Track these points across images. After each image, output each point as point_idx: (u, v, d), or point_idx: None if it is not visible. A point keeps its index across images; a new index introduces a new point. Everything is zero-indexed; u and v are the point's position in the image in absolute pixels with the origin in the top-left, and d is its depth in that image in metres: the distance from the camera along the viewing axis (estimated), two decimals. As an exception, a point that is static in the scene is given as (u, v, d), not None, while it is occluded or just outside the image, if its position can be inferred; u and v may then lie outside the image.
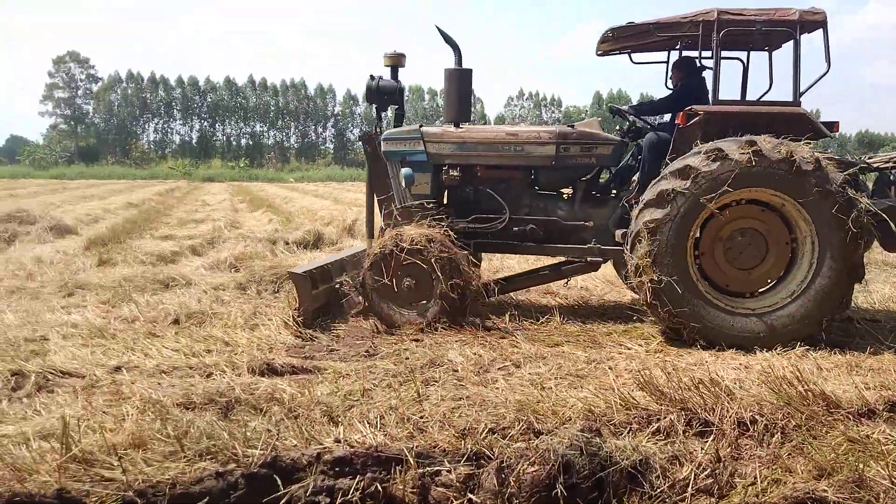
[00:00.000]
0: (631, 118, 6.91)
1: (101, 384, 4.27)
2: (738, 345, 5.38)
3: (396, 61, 6.76)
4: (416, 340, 5.55)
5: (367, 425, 3.56)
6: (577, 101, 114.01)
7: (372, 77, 6.69)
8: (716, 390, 3.90)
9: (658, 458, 3.24)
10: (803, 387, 3.90)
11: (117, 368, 4.58)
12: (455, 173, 6.64)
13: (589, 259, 6.37)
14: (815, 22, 5.80)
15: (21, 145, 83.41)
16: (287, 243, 10.91)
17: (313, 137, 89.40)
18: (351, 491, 2.82)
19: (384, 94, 6.80)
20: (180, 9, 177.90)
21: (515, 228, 6.57)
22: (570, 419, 3.69)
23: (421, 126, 6.76)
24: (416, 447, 3.16)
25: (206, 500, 2.76)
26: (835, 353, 5.18)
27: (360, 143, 7.23)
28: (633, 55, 7.06)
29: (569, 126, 6.61)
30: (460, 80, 6.69)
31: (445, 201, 6.90)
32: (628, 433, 3.48)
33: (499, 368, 4.77)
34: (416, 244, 5.81)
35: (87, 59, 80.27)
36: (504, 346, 5.32)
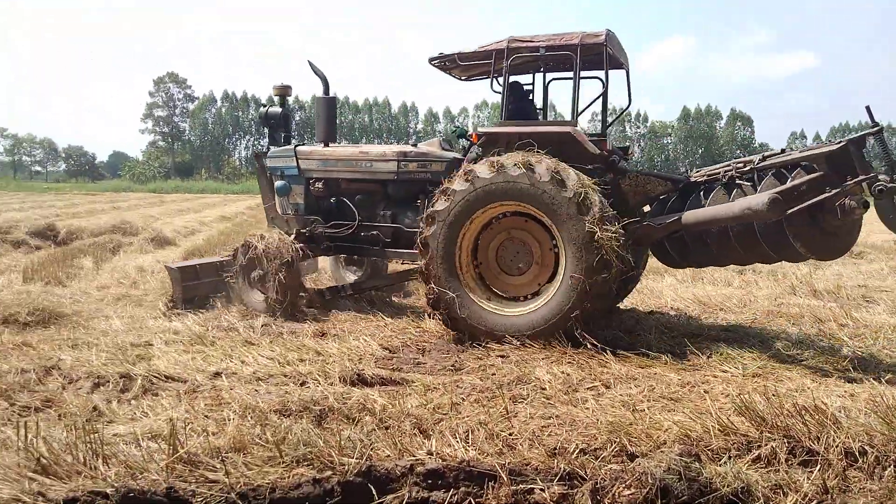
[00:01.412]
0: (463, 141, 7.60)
1: (202, 389, 4.45)
2: (505, 338, 5.80)
3: (283, 91, 8.19)
4: (502, 356, 5.53)
5: (458, 439, 3.57)
6: (664, 117, 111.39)
7: (262, 105, 8.11)
8: (821, 418, 3.71)
9: (760, 486, 3.11)
10: (919, 418, 3.66)
11: (217, 374, 4.77)
12: (320, 185, 7.72)
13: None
14: (595, 44, 6.09)
15: (122, 161, 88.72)
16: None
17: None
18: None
19: (270, 119, 8.31)
20: (276, 30, 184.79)
21: (363, 234, 7.52)
22: (666, 443, 3.59)
23: (296, 146, 7.92)
24: (508, 464, 3.14)
25: (305, 505, 2.83)
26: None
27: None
28: (462, 77, 7.64)
29: (412, 146, 7.52)
30: (327, 107, 7.93)
31: (316, 210, 7.85)
32: (728, 459, 3.35)
33: (588, 388, 4.69)
34: (256, 248, 7.10)
35: (184, 80, 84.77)
36: (593, 366, 5.22)
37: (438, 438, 3.58)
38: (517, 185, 5.74)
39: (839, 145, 5.35)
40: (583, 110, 6.41)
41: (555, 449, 3.53)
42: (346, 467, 3.08)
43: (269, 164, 8.12)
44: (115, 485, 2.87)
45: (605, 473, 3.10)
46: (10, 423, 3.71)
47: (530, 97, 7.26)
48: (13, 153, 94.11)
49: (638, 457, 3.39)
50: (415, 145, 7.52)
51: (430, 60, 7.08)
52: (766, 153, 5.92)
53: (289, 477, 3.07)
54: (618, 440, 3.58)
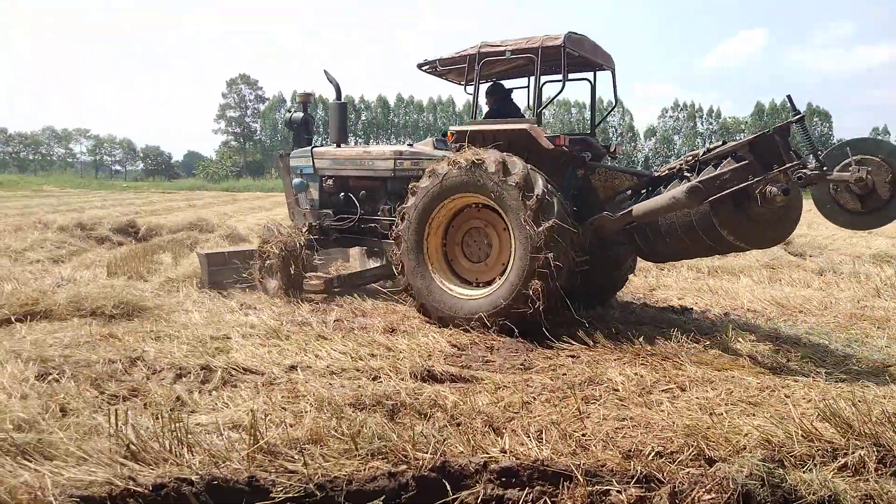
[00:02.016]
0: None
1: (279, 382, 4.56)
2: (467, 324, 6.21)
3: (305, 98, 9.31)
4: (572, 356, 5.48)
5: (530, 438, 3.56)
6: (737, 112, 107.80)
7: (288, 110, 10.09)
8: (913, 426, 3.53)
9: (849, 495, 2.99)
10: None
11: (292, 367, 4.89)
12: (331, 182, 8.50)
13: None
14: (554, 47, 6.34)
15: (196, 160, 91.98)
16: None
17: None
18: (520, 502, 2.83)
19: (293, 123, 9.28)
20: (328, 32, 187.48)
21: (363, 226, 8.20)
22: (746, 448, 3.48)
23: (313, 147, 8.68)
24: (583, 464, 3.10)
25: (381, 498, 2.86)
26: None
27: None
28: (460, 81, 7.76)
29: (408, 146, 8.09)
30: (339, 111, 8.76)
31: (328, 204, 8.57)
32: (813, 466, 3.22)
33: (662, 390, 4.59)
34: (269, 240, 7.89)
35: (255, 81, 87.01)
36: (667, 368, 5.11)
37: (511, 437, 3.57)
38: (471, 178, 6.21)
39: (763, 134, 5.49)
40: (540, 109, 6.91)
41: (630, 451, 3.48)
42: (421, 462, 3.11)
43: (291, 164, 8.95)
44: (200, 472, 2.97)
45: (684, 477, 3.03)
46: (101, 411, 3.88)
47: (511, 98, 7.75)
48: (95, 153, 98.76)
49: (717, 461, 3.31)
50: (410, 145, 8.15)
51: (419, 66, 7.62)
52: (712, 145, 5.97)
53: (364, 470, 3.12)
54: (695, 444, 3.50)
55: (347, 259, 10.19)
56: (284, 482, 2.95)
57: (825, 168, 5.08)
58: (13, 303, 6.37)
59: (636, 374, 4.91)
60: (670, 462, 3.35)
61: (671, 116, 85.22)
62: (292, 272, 7.63)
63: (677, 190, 5.59)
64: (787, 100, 5.59)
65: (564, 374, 4.96)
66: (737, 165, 5.43)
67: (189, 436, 3.37)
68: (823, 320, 6.97)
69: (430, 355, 5.38)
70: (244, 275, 8.02)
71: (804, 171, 5.11)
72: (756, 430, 3.67)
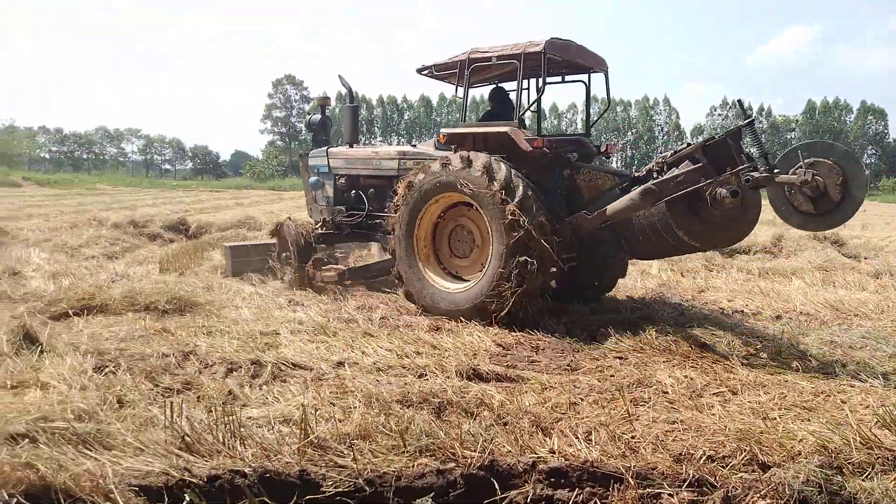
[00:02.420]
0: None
1: (327, 377, 4.62)
2: (447, 316, 6.55)
3: (323, 101, 10.25)
4: (620, 358, 5.42)
5: (579, 439, 3.53)
6: (787, 110, 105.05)
7: (308, 113, 10.17)
8: (980, 436, 3.40)
9: (913, 506, 2.89)
10: None
11: (340, 364, 4.94)
12: (343, 181, 8.96)
13: None
14: (534, 53, 6.58)
15: (243, 159, 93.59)
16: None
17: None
18: (570, 503, 2.81)
19: (313, 125, 9.87)
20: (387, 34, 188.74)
21: (370, 222, 8.59)
22: (801, 454, 3.40)
23: (328, 147, 9.18)
24: (633, 467, 3.07)
25: (430, 495, 2.88)
26: None
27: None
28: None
29: (412, 146, 8.58)
30: (352, 114, 9.57)
31: (342, 201, 8.95)
32: (874, 474, 3.13)
33: (713, 394, 4.51)
34: (283, 233, 8.76)
35: (301, 82, 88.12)
36: (718, 371, 5.02)
37: (559, 437, 3.55)
38: (456, 178, 6.50)
39: (716, 137, 5.63)
40: (523, 113, 7.10)
41: (680, 454, 3.43)
42: (469, 460, 3.12)
43: (310, 163, 9.52)
44: (253, 465, 3.04)
45: (737, 482, 2.98)
46: (156, 403, 3.99)
47: (510, 100, 7.89)
48: (146, 152, 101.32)
49: (771, 467, 3.23)
50: (414, 146, 8.65)
51: (419, 71, 7.87)
52: (678, 148, 6.09)
53: (413, 466, 3.14)
54: (748, 448, 3.43)
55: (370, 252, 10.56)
56: (334, 476, 2.99)
57: (775, 171, 5.18)
58: (71, 297, 6.59)
59: (686, 376, 4.83)
60: (722, 466, 3.29)
61: (719, 115, 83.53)
62: (301, 263, 8.34)
63: (635, 192, 5.85)
64: (736, 104, 6.32)
65: (612, 376, 4.90)
66: (690, 168, 5.63)
67: (241, 429, 3.44)
68: (880, 324, 6.74)
69: (475, 354, 5.38)
70: (264, 266, 8.90)
71: (753, 174, 5.24)
72: (812, 435, 3.58)
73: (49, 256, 9.82)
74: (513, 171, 6.26)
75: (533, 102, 7.63)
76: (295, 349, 5.27)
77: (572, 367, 5.24)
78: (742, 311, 7.37)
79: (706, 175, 5.49)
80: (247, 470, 2.96)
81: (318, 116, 9.83)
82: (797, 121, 78.72)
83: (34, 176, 53.78)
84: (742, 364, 5.12)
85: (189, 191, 45.88)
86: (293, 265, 8.37)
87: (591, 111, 7.80)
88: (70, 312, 6.26)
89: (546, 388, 4.56)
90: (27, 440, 3.19)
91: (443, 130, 7.54)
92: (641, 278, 9.21)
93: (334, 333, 5.81)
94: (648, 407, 4.21)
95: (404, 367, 4.90)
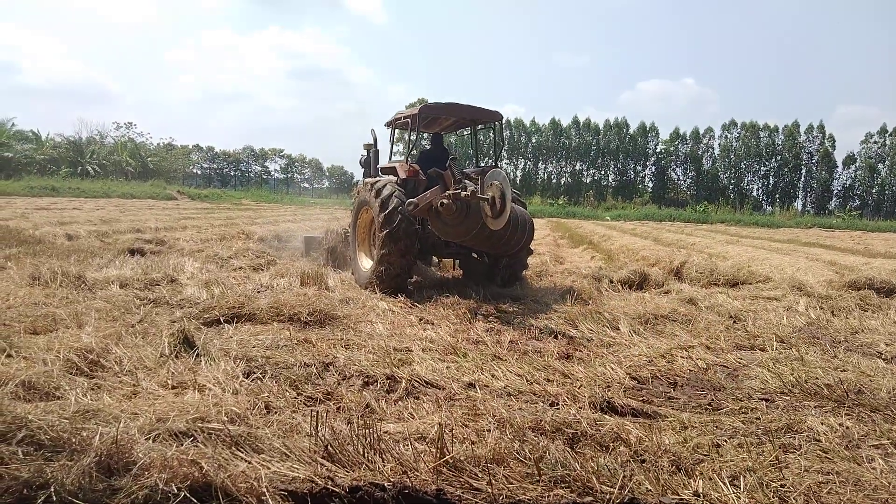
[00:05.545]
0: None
1: (458, 398, 4.66)
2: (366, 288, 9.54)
3: (368, 147, 12.31)
4: (766, 400, 5.09)
5: (725, 484, 3.34)
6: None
7: (362, 154, 12.39)
8: None
9: None
10: None
11: (470, 385, 4.97)
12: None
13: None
14: (415, 115, 10.30)
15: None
16: (612, 281, 10.94)
17: (631, 175, 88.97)
18: (717, 552, 2.66)
19: (363, 164, 12.52)
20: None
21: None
22: (984, 523, 3.04)
23: (357, 181, 12.99)
24: (786, 519, 2.87)
25: (567, 527, 2.82)
26: None
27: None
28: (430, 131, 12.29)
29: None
30: (375, 156, 12.17)
31: None
32: None
33: (873, 445, 4.13)
34: (325, 237, 13.11)
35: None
36: (877, 420, 4.59)
37: (703, 480, 3.38)
38: (368, 196, 9.68)
39: (447, 167, 8.69)
40: (408, 153, 10.93)
41: (838, 510, 3.17)
42: (607, 496, 3.03)
43: (358, 191, 11.71)
44: (392, 480, 3.11)
45: (908, 548, 2.71)
46: (299, 411, 4.18)
47: (441, 143, 11.55)
48: (287, 171, 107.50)
49: (949, 535, 2.92)
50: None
51: (386, 125, 11.55)
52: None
53: (549, 496, 3.09)
54: (918, 511, 3.12)
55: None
56: (470, 499, 3.00)
57: (475, 190, 7.87)
58: (222, 305, 7.06)
59: (840, 424, 4.46)
60: (889, 528, 3.01)
61: (875, 142, 77.43)
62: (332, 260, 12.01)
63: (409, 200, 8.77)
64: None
65: (758, 419, 4.61)
66: (435, 188, 8.62)
67: (380, 442, 3.53)
68: None
69: (608, 386, 5.24)
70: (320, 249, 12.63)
71: (462, 192, 7.90)
72: None
73: (201, 266, 10.61)
74: (396, 196, 9.12)
75: (411, 148, 11.05)
76: (427, 367, 5.36)
77: (713, 406, 4.98)
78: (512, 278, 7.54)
79: (442, 192, 8.35)
80: (386, 484, 3.04)
81: (365, 153, 12.54)
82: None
83: (187, 190, 58.50)
84: (908, 417, 4.66)
85: (326, 208, 48.10)
86: (329, 257, 12.19)
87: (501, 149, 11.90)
88: (221, 319, 6.70)
89: (686, 427, 4.36)
90: (190, 439, 3.43)
91: (380, 164, 11.62)
92: (787, 315, 8.64)
93: (464, 354, 5.86)
94: (799, 455, 3.92)
95: (535, 394, 4.85)
